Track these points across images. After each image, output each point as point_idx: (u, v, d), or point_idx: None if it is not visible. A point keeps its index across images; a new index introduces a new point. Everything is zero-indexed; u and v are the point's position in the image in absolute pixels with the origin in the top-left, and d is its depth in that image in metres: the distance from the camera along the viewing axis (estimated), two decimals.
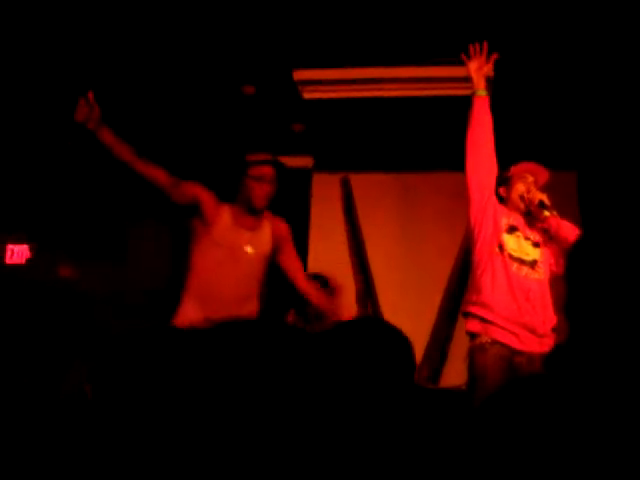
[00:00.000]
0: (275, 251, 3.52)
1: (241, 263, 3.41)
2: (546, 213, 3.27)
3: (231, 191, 3.46)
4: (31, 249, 6.13)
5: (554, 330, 3.19)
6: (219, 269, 3.36)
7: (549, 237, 3.31)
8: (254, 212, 3.42)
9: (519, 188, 3.37)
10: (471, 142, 3.28)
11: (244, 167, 3.39)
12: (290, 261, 3.60)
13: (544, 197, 3.31)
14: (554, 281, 3.31)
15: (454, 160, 3.44)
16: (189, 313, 3.27)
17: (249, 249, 3.41)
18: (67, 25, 4.26)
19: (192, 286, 3.40)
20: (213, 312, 3.02)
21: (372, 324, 1.58)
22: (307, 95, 5.03)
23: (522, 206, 3.35)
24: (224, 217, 3.39)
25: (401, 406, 1.44)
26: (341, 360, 1.47)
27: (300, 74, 4.81)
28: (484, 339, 3.16)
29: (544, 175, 3.43)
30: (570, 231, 3.22)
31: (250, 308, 3.38)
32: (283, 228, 3.58)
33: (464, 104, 3.39)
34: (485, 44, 3.36)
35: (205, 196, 3.37)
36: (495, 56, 3.37)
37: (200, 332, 1.06)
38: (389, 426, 1.44)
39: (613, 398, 0.98)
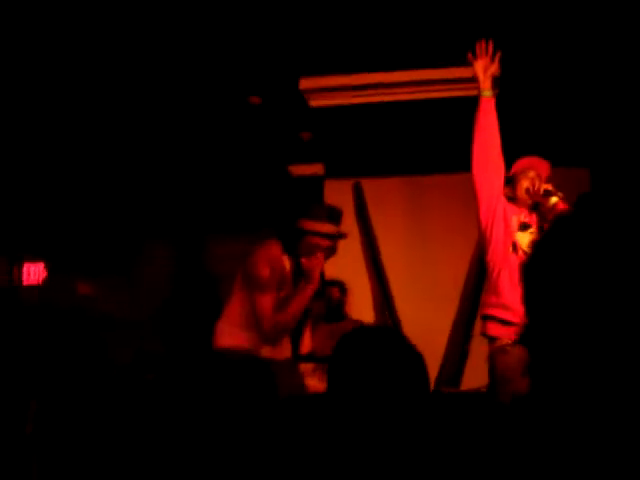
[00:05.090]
0: None
1: None
2: (553, 200, 3.22)
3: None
4: (47, 267, 6.14)
5: None
6: None
7: None
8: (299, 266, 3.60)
9: (523, 184, 3.32)
10: (477, 143, 3.25)
11: (306, 230, 3.50)
12: None
13: (548, 186, 3.28)
14: None
15: (465, 161, 3.41)
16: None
17: None
18: (70, 35, 4.27)
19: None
20: None
21: (386, 336, 1.57)
22: (314, 103, 5.02)
23: (529, 200, 3.32)
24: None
25: (413, 414, 1.43)
26: (352, 370, 1.47)
27: (306, 82, 4.80)
28: (504, 341, 3.12)
29: (545, 167, 3.40)
30: None
31: None
32: None
33: (472, 104, 3.37)
34: (491, 43, 3.33)
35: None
36: (499, 54, 3.33)
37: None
38: (401, 434, 1.42)
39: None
